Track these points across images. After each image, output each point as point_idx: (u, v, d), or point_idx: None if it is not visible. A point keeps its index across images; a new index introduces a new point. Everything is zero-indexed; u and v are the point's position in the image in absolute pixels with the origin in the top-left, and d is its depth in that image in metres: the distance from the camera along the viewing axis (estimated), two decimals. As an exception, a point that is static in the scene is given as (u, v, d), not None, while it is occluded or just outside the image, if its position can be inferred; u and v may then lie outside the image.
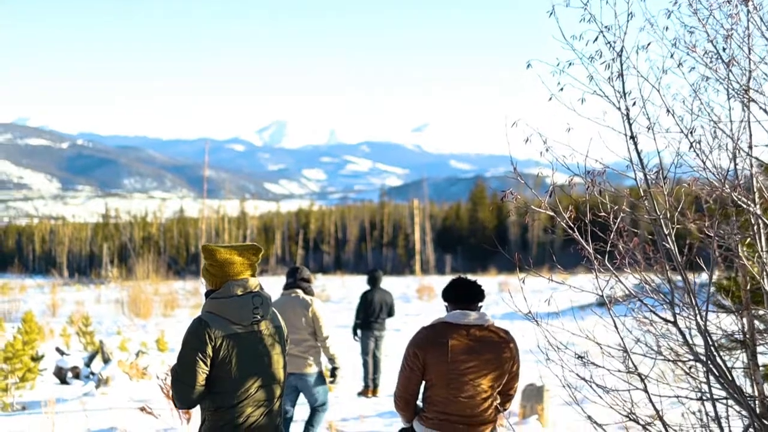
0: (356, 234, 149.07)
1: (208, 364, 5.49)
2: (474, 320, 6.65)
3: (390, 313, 17.56)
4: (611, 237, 5.85)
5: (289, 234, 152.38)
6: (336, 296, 52.70)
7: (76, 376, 19.38)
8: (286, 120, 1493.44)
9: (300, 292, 10.69)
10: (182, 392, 5.50)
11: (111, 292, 57.43)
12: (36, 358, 18.03)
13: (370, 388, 17.38)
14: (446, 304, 6.91)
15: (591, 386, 5.81)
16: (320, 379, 10.62)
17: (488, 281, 65.73)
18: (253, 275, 5.84)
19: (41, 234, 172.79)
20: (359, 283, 64.35)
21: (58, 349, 20.74)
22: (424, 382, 6.79)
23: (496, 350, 6.62)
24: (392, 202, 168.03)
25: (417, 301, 49.78)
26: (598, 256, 5.85)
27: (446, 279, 70.12)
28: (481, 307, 6.74)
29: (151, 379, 18.35)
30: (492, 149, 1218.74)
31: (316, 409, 10.75)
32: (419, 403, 6.91)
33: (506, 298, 48.62)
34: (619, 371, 5.84)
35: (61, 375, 19.29)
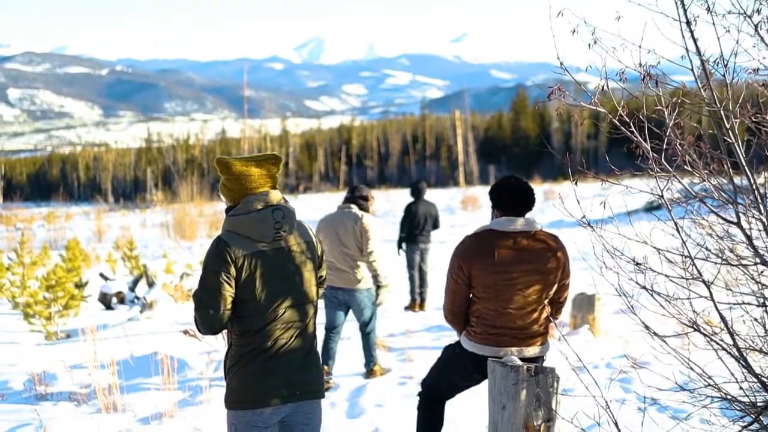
0: (399, 148, 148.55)
1: (233, 285, 5.06)
2: (521, 227, 6.21)
3: (435, 225, 17.12)
4: (667, 133, 5.40)
5: (331, 150, 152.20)
6: (381, 210, 52.39)
7: (121, 301, 19.27)
8: (323, 36, 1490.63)
9: (354, 207, 10.61)
10: (206, 318, 5.08)
11: (156, 215, 57.54)
12: (80, 285, 17.90)
13: (416, 302, 17.05)
14: (493, 208, 6.44)
15: (652, 295, 5.42)
16: (369, 296, 10.50)
17: (528, 183, 65.24)
18: (273, 187, 5.34)
19: (85, 161, 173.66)
20: (403, 197, 64.11)
21: (102, 275, 20.61)
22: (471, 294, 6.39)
23: (545, 258, 6.20)
24: (433, 114, 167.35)
25: (462, 212, 49.48)
26: (655, 155, 5.41)
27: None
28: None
29: (195, 301, 18.17)
30: (532, 57, 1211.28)
31: (364, 334, 10.68)
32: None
33: (554, 204, 48.10)
34: (681, 278, 5.44)
35: (105, 301, 19.17)
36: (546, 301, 6.30)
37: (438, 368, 6.72)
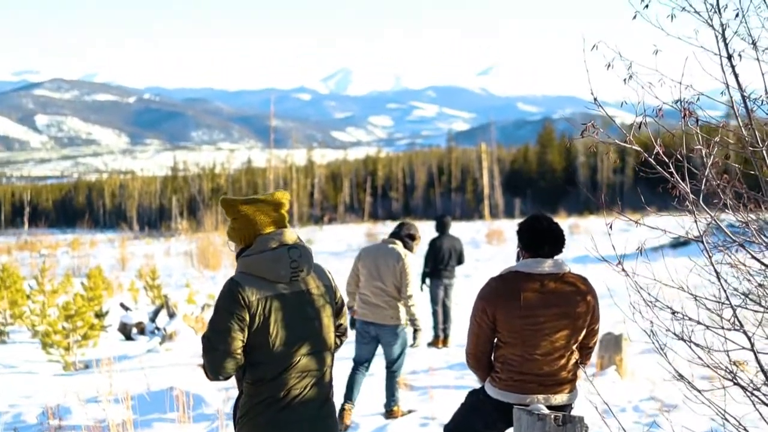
0: (424, 180, 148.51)
1: (245, 330, 4.75)
2: (549, 269, 5.95)
3: (460, 261, 16.88)
4: (706, 173, 5.15)
5: (357, 181, 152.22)
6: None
7: (141, 331, 19.13)
8: (350, 67, 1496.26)
9: (399, 244, 10.50)
10: (215, 361, 4.73)
11: (180, 244, 57.47)
12: (100, 315, 17.75)
13: (440, 338, 16.80)
14: (519, 248, 6.18)
15: (690, 346, 5.19)
16: (400, 334, 10.39)
17: (558, 224, 65.04)
18: (285, 226, 5.07)
19: (111, 189, 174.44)
20: (428, 229, 63.90)
21: (122, 305, 20.45)
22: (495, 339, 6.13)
23: (574, 301, 5.93)
24: (460, 146, 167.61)
25: (486, 245, 49.20)
26: (693, 196, 5.17)
27: (516, 222, 69.38)
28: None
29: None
30: (559, 90, 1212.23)
31: (390, 371, 10.51)
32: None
33: (580, 240, 48.22)
34: (721, 327, 5.19)
35: (125, 331, 19.04)
36: (574, 347, 6.04)
37: (461, 414, 6.45)
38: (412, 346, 10.53)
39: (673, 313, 5.26)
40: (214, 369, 4.76)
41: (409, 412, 10.65)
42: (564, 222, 66.88)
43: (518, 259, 6.19)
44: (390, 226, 74.17)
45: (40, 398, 11.81)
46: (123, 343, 18.35)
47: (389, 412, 10.46)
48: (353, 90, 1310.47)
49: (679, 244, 35.84)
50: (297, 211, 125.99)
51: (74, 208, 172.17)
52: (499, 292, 5.96)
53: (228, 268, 40.26)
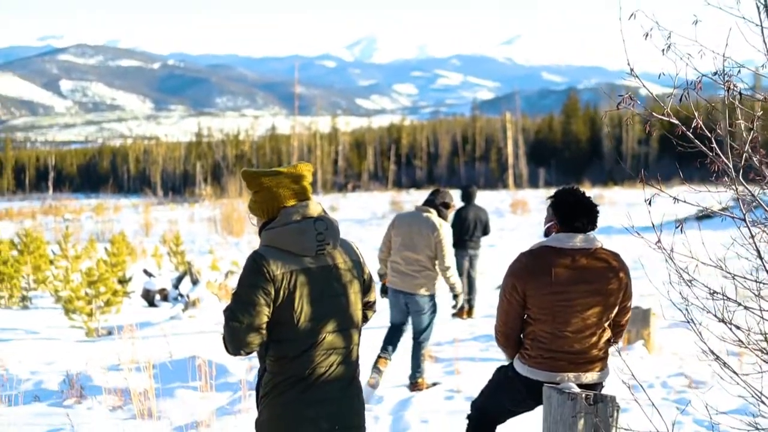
0: (448, 148, 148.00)
1: (270, 304, 4.51)
2: (581, 243, 5.77)
3: (485, 231, 16.66)
4: (746, 148, 4.98)
5: (381, 149, 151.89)
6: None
7: (164, 298, 19.05)
8: (375, 35, 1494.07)
9: (433, 212, 10.29)
10: (235, 334, 4.48)
11: (204, 210, 57.50)
12: (123, 281, 17.68)
13: (465, 309, 16.62)
14: (550, 221, 5.98)
15: (731, 329, 5.03)
16: (430, 304, 10.25)
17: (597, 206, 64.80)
18: (308, 199, 4.83)
19: (135, 154, 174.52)
20: (453, 197, 63.75)
21: (145, 271, 20.38)
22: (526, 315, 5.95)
23: (606, 278, 5.73)
24: (484, 115, 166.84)
25: (511, 215, 49.02)
26: (732, 172, 5.00)
27: (540, 193, 69.40)
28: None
29: (240, 300, 17.85)
30: (584, 60, 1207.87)
31: (417, 342, 10.37)
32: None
33: (604, 210, 47.81)
34: (761, 309, 5.04)
35: (148, 297, 18.97)
36: (606, 324, 5.87)
37: (489, 391, 6.30)
38: (453, 308, 10.59)
39: (713, 293, 5.10)
40: (236, 343, 4.51)
41: (434, 384, 10.53)
42: (589, 192, 66.34)
43: (547, 233, 6.01)
44: (414, 194, 74.14)
45: (61, 365, 11.71)
46: (146, 310, 18.30)
47: (414, 384, 10.32)
48: (378, 58, 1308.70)
49: (704, 216, 35.59)
50: (321, 179, 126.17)
51: (98, 174, 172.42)
52: (530, 268, 5.78)
53: (251, 234, 40.27)
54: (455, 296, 10.47)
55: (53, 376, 10.85)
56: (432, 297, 10.28)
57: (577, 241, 5.77)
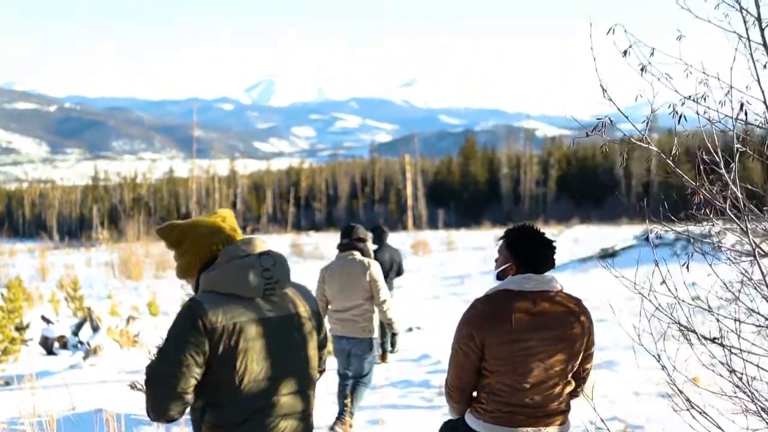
0: (347, 190, 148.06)
1: (201, 364, 3.88)
2: (540, 285, 5.33)
3: (399, 272, 16.23)
4: (731, 178, 4.72)
5: (279, 192, 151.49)
6: (330, 253, 51.66)
7: (64, 345, 18.40)
8: (273, 77, 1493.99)
9: (357, 254, 10.29)
10: (160, 400, 3.85)
11: (102, 254, 56.48)
12: (20, 328, 17.05)
13: (380, 353, 16.25)
14: (505, 263, 5.54)
15: (740, 378, 4.77)
16: (371, 347, 10.28)
17: (484, 235, 65.14)
18: (241, 234, 4.35)
19: (31, 198, 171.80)
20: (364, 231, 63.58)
21: (44, 318, 19.67)
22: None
23: (569, 323, 5.32)
24: (383, 157, 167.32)
25: (413, 256, 48.95)
26: (719, 204, 4.74)
27: (439, 234, 69.49)
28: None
29: (142, 347, 17.32)
30: (481, 103, 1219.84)
31: (358, 382, 10.27)
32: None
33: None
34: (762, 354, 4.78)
35: (47, 345, 18.29)
36: (570, 375, 5.45)
37: None
38: (391, 352, 10.42)
39: (713, 340, 4.81)
40: (158, 409, 3.91)
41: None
42: (488, 233, 67.00)
43: (500, 276, 5.62)
44: (314, 236, 73.92)
45: (-44, 419, 11.11)
46: (44, 358, 17.62)
47: (341, 421, 10.05)
48: (276, 100, 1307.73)
49: (606, 255, 35.77)
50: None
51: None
52: (487, 315, 5.33)
53: (150, 279, 39.59)
54: (393, 335, 10.46)
55: (-52, 432, 10.25)
56: (372, 340, 10.24)
57: (537, 282, 5.35)
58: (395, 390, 12.87)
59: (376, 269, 10.14)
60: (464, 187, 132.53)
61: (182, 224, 4.18)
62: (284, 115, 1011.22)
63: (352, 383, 10.32)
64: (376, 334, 10.33)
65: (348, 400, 10.14)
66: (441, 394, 11.92)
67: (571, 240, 50.57)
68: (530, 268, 5.38)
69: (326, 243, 62.03)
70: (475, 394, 5.59)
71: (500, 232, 40.17)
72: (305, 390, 4.16)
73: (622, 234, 51.53)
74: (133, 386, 11.16)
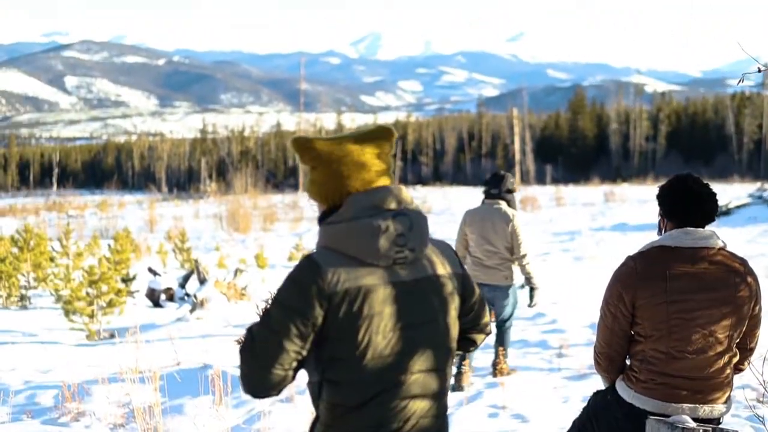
0: (454, 145, 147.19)
1: (309, 335, 3.18)
2: (699, 241, 4.58)
3: None
4: None
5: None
6: (437, 208, 51.25)
7: (170, 298, 18.12)
8: (380, 31, 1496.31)
9: (503, 204, 10.11)
10: (253, 373, 3.21)
11: (209, 206, 56.74)
12: (127, 280, 16.77)
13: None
14: (661, 216, 4.85)
15: None
16: (513, 293, 10.15)
17: (593, 191, 64.07)
18: (388, 180, 3.40)
19: (140, 150, 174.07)
20: (459, 194, 63.06)
21: (150, 270, 19.40)
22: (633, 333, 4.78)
23: (733, 284, 4.55)
24: (490, 112, 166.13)
25: (521, 212, 48.08)
26: None
27: (548, 189, 68.62)
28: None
29: (249, 300, 16.94)
30: (589, 57, 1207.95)
31: (502, 329, 10.23)
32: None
33: (617, 207, 47.46)
34: None
35: (153, 297, 18.02)
36: (734, 344, 4.68)
37: (583, 420, 5.06)
38: (530, 305, 10.38)
39: None
40: (250, 383, 3.25)
41: (514, 370, 10.43)
42: (598, 189, 65.89)
43: (660, 231, 4.92)
44: (420, 190, 73.48)
45: (58, 374, 10.66)
46: (150, 311, 17.33)
47: (498, 370, 10.17)
48: (382, 54, 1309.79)
49: (720, 213, 34.72)
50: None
51: (103, 170, 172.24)
52: (640, 273, 4.61)
53: (258, 231, 39.54)
54: (532, 289, 10.25)
55: (48, 388, 9.77)
56: (514, 287, 10.15)
57: (697, 238, 4.60)
58: (512, 350, 12.19)
59: (519, 222, 9.99)
60: (572, 143, 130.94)
61: (321, 148, 3.34)
62: (391, 69, 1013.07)
63: (496, 330, 10.26)
64: (515, 281, 10.17)
65: (500, 349, 10.19)
66: (560, 355, 11.31)
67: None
68: (683, 223, 4.67)
69: (433, 197, 61.60)
70: (628, 361, 4.90)
71: (609, 188, 39.53)
72: (441, 367, 3.40)
73: (733, 192, 50.21)
74: (240, 342, 10.64)
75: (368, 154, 3.36)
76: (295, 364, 3.22)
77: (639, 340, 4.72)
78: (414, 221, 3.30)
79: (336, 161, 3.32)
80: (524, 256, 9.93)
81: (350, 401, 3.22)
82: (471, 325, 3.63)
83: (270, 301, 3.31)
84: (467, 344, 3.71)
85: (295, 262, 21.81)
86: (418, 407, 3.30)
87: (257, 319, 3.25)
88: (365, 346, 3.18)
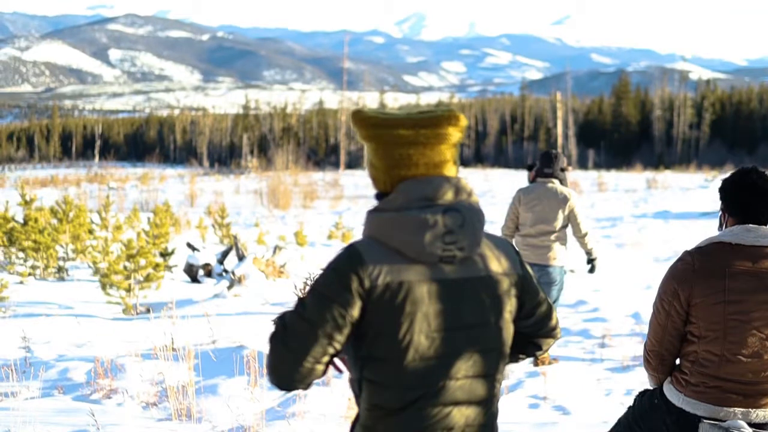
0: (496, 127, 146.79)
1: (345, 328, 2.92)
2: (764, 239, 4.29)
3: None
4: None
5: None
6: (478, 190, 51.00)
7: (209, 274, 17.97)
8: (425, 11, 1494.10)
9: (557, 183, 10.05)
10: (282, 364, 2.93)
11: (250, 182, 56.80)
12: (165, 254, 16.65)
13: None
14: (722, 211, 4.53)
15: None
16: (561, 275, 10.02)
17: (635, 177, 63.62)
18: (449, 170, 3.07)
19: (182, 125, 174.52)
20: (501, 176, 62.81)
21: (189, 245, 19.26)
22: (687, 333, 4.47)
23: None
24: (533, 95, 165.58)
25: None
26: None
27: (590, 174, 68.24)
28: None
29: (288, 278, 16.79)
30: (634, 43, 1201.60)
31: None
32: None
33: (659, 195, 47.05)
34: None
35: (191, 273, 17.89)
36: None
37: (628, 422, 4.81)
38: (590, 272, 10.47)
39: None
40: (278, 374, 2.98)
41: (555, 361, 10.25)
42: (640, 176, 65.37)
43: (720, 226, 4.65)
44: (462, 172, 73.13)
45: (93, 348, 10.54)
46: (188, 286, 17.20)
47: (539, 359, 10.06)
48: (426, 35, 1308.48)
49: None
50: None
51: (145, 143, 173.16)
52: (698, 270, 4.32)
53: (298, 208, 39.48)
54: (591, 260, 10.31)
55: (81, 363, 9.59)
56: (562, 268, 10.05)
57: (759, 236, 4.30)
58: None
59: (576, 201, 9.96)
60: (615, 128, 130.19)
61: (378, 127, 3.02)
62: (434, 50, 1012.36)
63: None
64: (564, 262, 10.10)
65: None
66: (603, 345, 11.06)
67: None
68: (744, 218, 4.38)
69: (474, 178, 61.38)
70: (677, 362, 4.63)
71: (651, 175, 39.22)
72: (490, 372, 3.09)
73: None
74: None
75: (434, 140, 3.04)
76: (326, 358, 2.97)
77: (692, 341, 4.45)
78: (467, 218, 2.99)
79: (390, 143, 3.03)
80: (585, 234, 9.99)
81: (390, 404, 2.97)
82: (535, 329, 3.32)
83: (308, 289, 3.03)
84: (533, 349, 3.40)
85: (335, 241, 21.59)
86: (464, 415, 3.02)
87: (294, 300, 3.01)
88: (406, 345, 2.92)
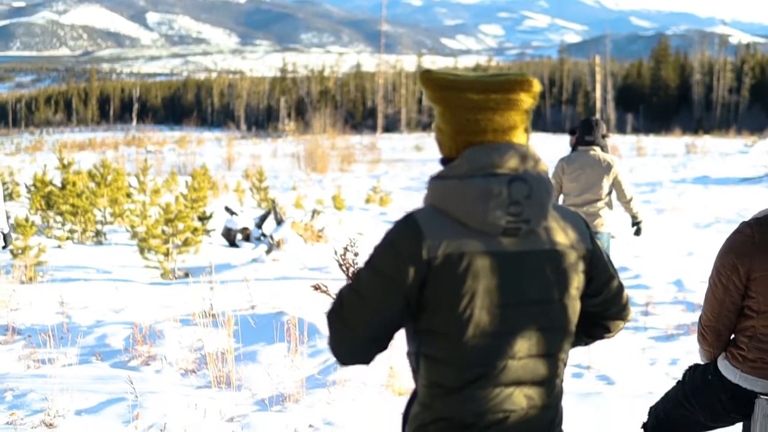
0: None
1: (403, 303, 2.73)
2: None
3: None
4: None
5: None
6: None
7: (247, 238, 17.89)
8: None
9: (599, 150, 10.05)
10: (342, 342, 2.80)
11: (288, 145, 56.67)
12: (203, 218, 16.57)
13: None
14: None
15: None
16: (607, 241, 10.13)
17: (674, 142, 63.11)
18: (518, 137, 2.83)
19: (220, 88, 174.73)
20: (540, 140, 62.46)
21: (227, 209, 19.18)
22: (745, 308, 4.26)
23: None
24: (571, 58, 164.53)
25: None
26: None
27: (628, 139, 67.91)
28: None
29: (327, 242, 16.68)
30: (673, 6, 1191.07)
31: None
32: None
33: (698, 160, 46.63)
34: None
35: (229, 237, 17.82)
36: None
37: (679, 397, 4.63)
38: (636, 234, 10.50)
39: None
40: (338, 350, 2.85)
41: None
42: (679, 140, 64.88)
43: None
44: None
45: (130, 313, 10.43)
46: (226, 250, 17.12)
47: None
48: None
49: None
50: (405, 117, 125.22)
51: (182, 106, 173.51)
52: (758, 243, 4.08)
53: (335, 172, 39.40)
54: (637, 223, 10.42)
55: (119, 328, 9.50)
56: (609, 234, 10.15)
57: None
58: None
59: (620, 167, 10.00)
60: (654, 92, 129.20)
61: (446, 89, 2.83)
62: (472, 12, 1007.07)
63: None
64: (610, 228, 10.16)
65: None
66: (646, 313, 10.88)
67: (765, 152, 48.30)
68: None
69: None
70: (732, 337, 4.42)
71: (690, 140, 38.70)
72: (554, 352, 2.88)
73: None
74: (317, 288, 10.31)
75: (504, 105, 2.83)
76: (387, 333, 2.81)
77: (750, 315, 4.22)
78: (534, 188, 2.77)
79: (458, 107, 2.83)
80: (631, 199, 10.05)
81: (449, 382, 2.78)
82: (603, 309, 3.10)
83: (361, 267, 2.84)
84: (600, 331, 3.18)
85: (372, 205, 21.44)
86: (526, 396, 2.84)
87: (342, 287, 2.85)
88: (466, 320, 2.72)
